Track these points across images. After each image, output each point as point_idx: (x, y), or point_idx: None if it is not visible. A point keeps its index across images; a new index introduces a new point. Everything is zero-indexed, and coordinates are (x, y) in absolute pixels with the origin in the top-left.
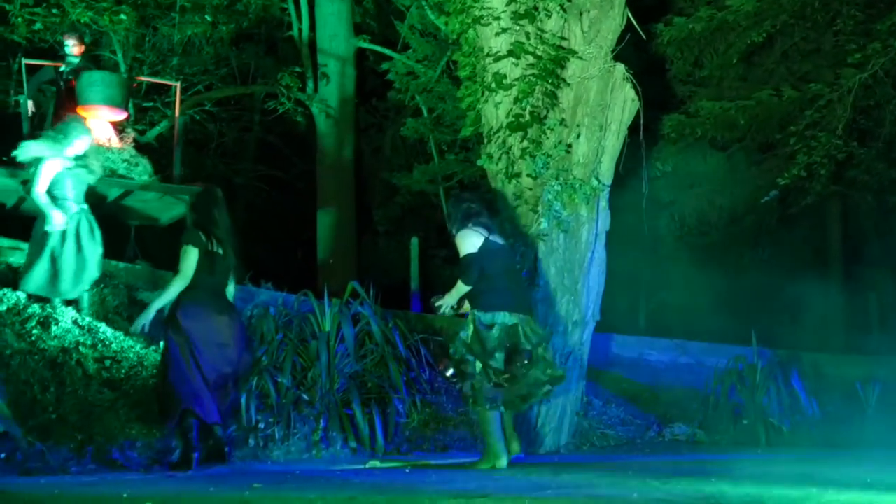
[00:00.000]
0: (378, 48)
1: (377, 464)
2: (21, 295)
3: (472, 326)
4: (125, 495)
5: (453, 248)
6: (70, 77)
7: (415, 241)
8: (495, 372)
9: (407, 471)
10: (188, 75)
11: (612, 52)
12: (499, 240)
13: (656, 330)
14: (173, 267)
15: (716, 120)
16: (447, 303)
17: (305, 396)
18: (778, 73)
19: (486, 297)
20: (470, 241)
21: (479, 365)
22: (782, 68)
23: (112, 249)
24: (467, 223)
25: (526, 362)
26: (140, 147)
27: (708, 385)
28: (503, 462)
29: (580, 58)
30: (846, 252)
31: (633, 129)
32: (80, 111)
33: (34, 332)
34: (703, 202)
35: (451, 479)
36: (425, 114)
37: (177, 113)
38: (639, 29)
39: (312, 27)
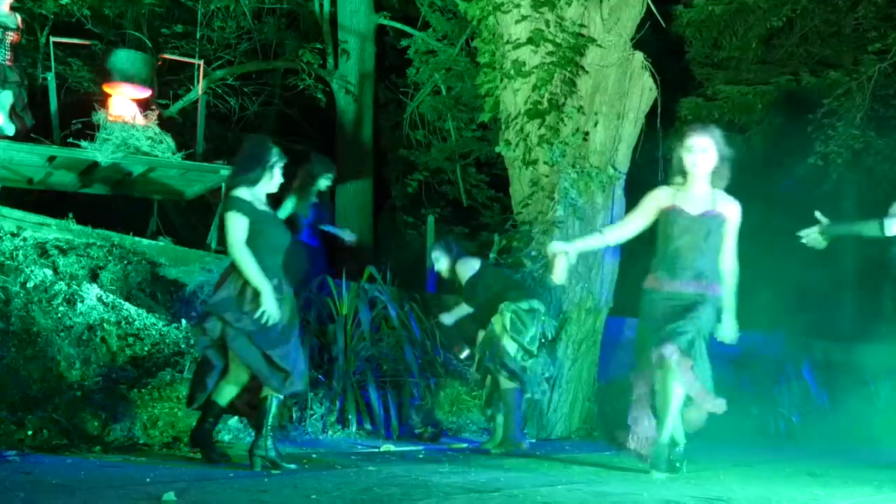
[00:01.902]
0: (398, 25)
1: (391, 447)
2: (48, 272)
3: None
4: (148, 480)
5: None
6: None
7: (431, 219)
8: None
9: (420, 455)
10: (211, 50)
11: (632, 40)
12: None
13: None
14: (196, 243)
15: (734, 104)
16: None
17: (322, 378)
18: (797, 55)
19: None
20: (469, 265)
21: (514, 347)
22: (801, 51)
23: (135, 226)
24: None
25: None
26: (163, 122)
27: (719, 372)
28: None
29: (599, 46)
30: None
31: (650, 115)
32: (106, 88)
33: (60, 309)
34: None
35: (465, 471)
36: (444, 92)
37: (199, 91)
38: (658, 16)
39: (333, 2)
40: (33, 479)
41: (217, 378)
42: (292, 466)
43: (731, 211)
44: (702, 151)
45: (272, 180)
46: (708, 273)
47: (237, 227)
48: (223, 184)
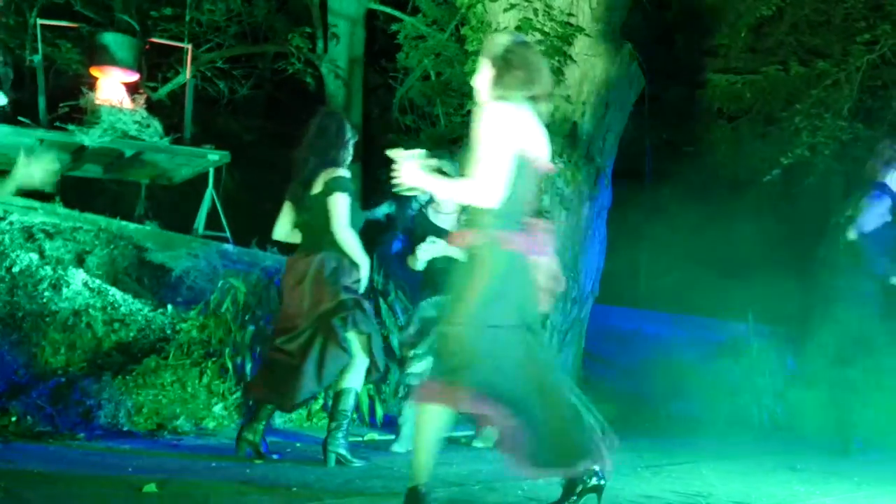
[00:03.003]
0: (388, 10)
1: (375, 436)
2: (34, 257)
3: None
4: (130, 470)
5: None
6: None
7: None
8: None
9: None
10: (200, 33)
11: (620, 29)
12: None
13: (654, 303)
14: (182, 227)
15: (722, 92)
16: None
17: None
18: (787, 44)
19: None
20: None
21: None
22: (791, 39)
23: (122, 209)
24: None
25: None
26: (151, 105)
27: (704, 362)
28: None
29: (587, 35)
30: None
31: (637, 104)
32: (94, 71)
33: (46, 294)
34: (706, 173)
35: (448, 461)
36: (433, 78)
37: (188, 75)
38: (647, 5)
39: None
40: (15, 468)
41: None
42: (359, 464)
43: None
44: None
45: (348, 157)
46: None
47: (345, 207)
48: (326, 170)
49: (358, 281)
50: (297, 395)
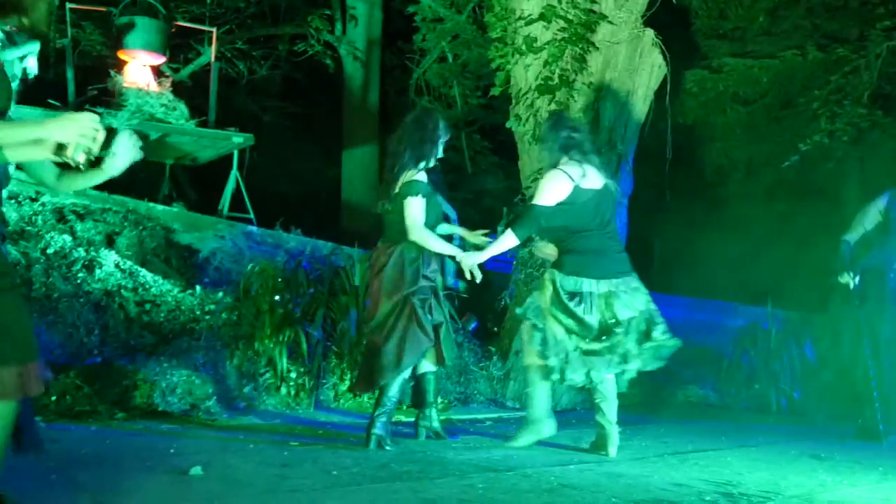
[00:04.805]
0: None
1: (402, 418)
2: (67, 238)
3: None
4: (172, 451)
5: None
6: None
7: None
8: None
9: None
10: (220, 14)
11: (642, 16)
12: (595, 182)
13: (670, 286)
14: (205, 207)
15: (739, 76)
16: (476, 260)
17: (335, 348)
18: (803, 28)
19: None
20: (551, 188)
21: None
22: (807, 24)
23: (148, 191)
24: (560, 158)
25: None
26: (174, 86)
27: (721, 347)
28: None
29: (610, 22)
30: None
31: (658, 90)
32: (121, 55)
33: (80, 275)
34: (722, 156)
35: (477, 447)
36: (450, 60)
37: (212, 58)
38: None
39: None
40: (61, 448)
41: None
42: (393, 448)
43: None
44: None
45: (438, 155)
46: None
47: (420, 210)
48: (397, 165)
49: (436, 271)
50: (378, 377)
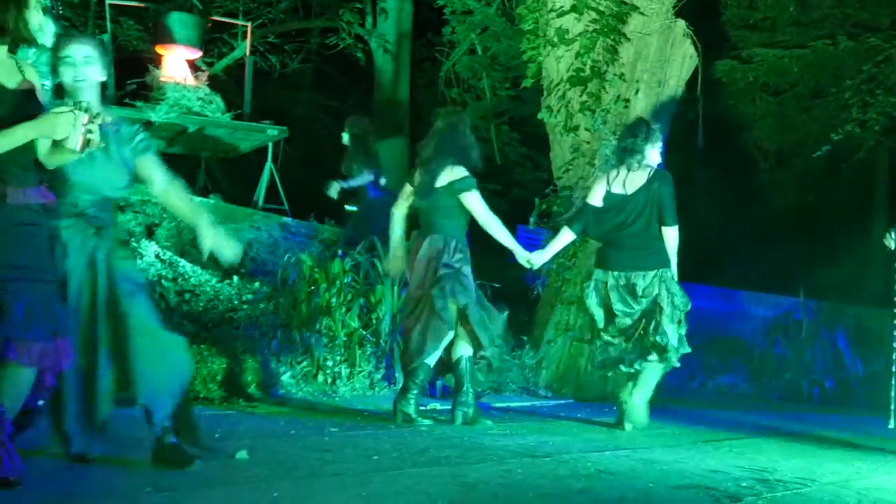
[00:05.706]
0: None
1: (437, 405)
2: None
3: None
4: (217, 435)
5: None
6: None
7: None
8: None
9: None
10: (253, 9)
11: (674, 7)
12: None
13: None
14: (239, 199)
15: (769, 66)
16: (541, 260)
17: (370, 337)
18: (833, 17)
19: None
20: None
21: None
22: (837, 13)
23: (185, 183)
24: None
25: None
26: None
27: (753, 337)
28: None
29: (642, 13)
30: (892, 202)
31: (689, 81)
32: (159, 49)
33: None
34: (751, 146)
35: (512, 433)
36: (479, 52)
37: (247, 52)
38: None
39: None
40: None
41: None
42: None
43: None
44: None
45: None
46: None
47: (481, 201)
48: (452, 167)
49: (461, 259)
50: (407, 360)
